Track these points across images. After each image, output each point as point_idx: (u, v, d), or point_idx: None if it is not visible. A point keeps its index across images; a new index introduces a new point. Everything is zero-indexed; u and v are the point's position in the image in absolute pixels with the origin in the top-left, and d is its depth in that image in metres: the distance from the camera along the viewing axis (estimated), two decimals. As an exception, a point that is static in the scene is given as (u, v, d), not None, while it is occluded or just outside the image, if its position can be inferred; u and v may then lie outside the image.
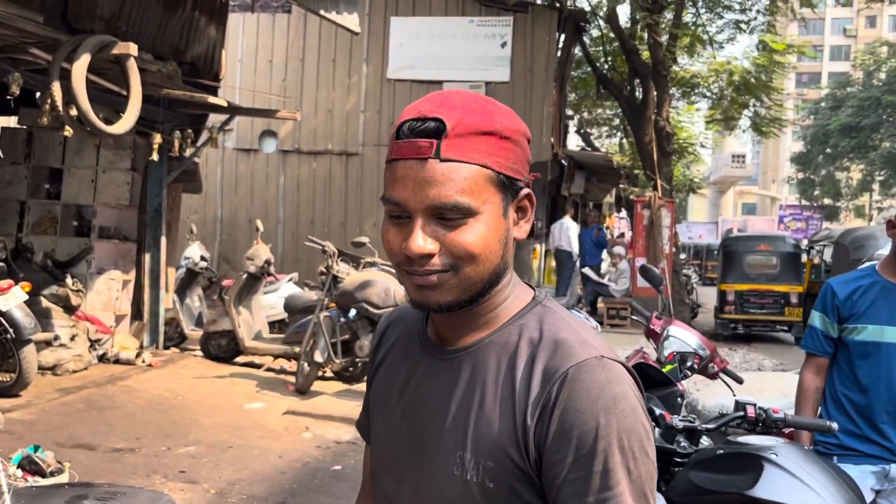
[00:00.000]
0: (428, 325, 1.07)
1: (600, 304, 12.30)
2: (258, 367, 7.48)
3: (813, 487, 2.08)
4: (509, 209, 0.96)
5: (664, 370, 3.08)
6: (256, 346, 7.27)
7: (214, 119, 7.96)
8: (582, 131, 21.29)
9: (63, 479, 3.80)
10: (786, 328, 12.31)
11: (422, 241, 0.92)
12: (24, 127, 7.43)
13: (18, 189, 7.36)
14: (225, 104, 7.11)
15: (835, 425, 2.32)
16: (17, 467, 3.72)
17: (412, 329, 1.09)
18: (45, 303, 6.44)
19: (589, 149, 19.59)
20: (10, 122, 7.71)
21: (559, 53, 12.33)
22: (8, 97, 6.24)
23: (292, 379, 6.83)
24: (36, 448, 3.89)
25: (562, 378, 0.90)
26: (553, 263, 13.38)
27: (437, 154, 0.91)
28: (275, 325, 8.06)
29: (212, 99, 6.81)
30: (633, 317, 4.27)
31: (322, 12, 6.60)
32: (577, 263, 12.51)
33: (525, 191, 0.98)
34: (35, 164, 7.41)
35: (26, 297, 5.55)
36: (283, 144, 12.14)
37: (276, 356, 7.41)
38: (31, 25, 4.85)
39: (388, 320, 1.18)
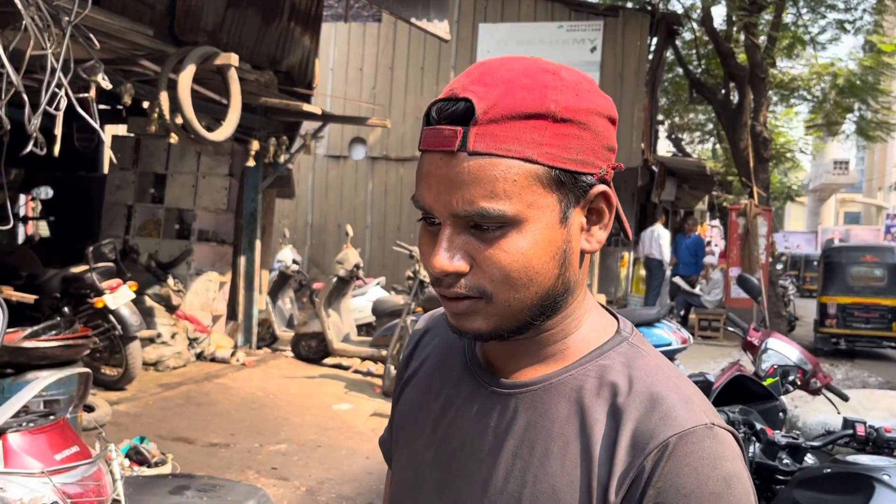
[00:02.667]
0: (476, 343, 0.86)
1: (692, 316, 11.94)
2: (346, 368, 7.63)
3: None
4: (572, 213, 0.74)
5: (765, 384, 2.96)
6: (345, 348, 7.42)
7: (308, 126, 8.20)
8: (673, 136, 20.76)
9: (166, 469, 3.98)
10: (893, 344, 11.61)
11: (447, 257, 0.73)
12: (133, 135, 7.86)
13: (126, 193, 7.78)
14: (319, 112, 7.31)
15: None
16: (125, 457, 3.92)
17: (455, 343, 0.89)
18: (148, 302, 6.77)
19: (680, 154, 19.08)
20: (121, 130, 8.16)
21: (651, 57, 12.07)
22: (119, 106, 6.63)
23: (379, 382, 6.93)
24: (142, 439, 4.09)
25: (661, 449, 0.71)
26: (642, 272, 13.08)
27: (464, 145, 0.70)
28: (363, 329, 8.20)
29: (306, 107, 7.01)
30: (728, 328, 4.11)
31: (413, 20, 6.70)
32: (668, 273, 12.19)
33: (598, 188, 0.75)
34: (141, 169, 7.81)
35: (133, 295, 5.85)
36: (371, 151, 12.37)
37: (364, 359, 7.54)
38: (142, 38, 5.12)
39: (425, 325, 0.97)
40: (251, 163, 6.87)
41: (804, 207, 48.56)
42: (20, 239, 9.98)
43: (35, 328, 3.78)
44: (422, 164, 0.74)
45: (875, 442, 2.27)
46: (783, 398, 2.99)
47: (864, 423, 2.31)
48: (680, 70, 15.37)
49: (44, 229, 9.44)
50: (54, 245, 8.26)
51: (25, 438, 2.22)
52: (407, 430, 0.88)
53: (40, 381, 2.24)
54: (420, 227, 0.78)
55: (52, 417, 2.36)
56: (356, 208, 12.41)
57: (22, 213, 10.31)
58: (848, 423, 2.33)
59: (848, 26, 13.95)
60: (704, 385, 2.72)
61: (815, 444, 2.35)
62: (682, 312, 11.88)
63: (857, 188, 54.60)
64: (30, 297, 4.77)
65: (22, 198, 9.96)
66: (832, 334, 11.60)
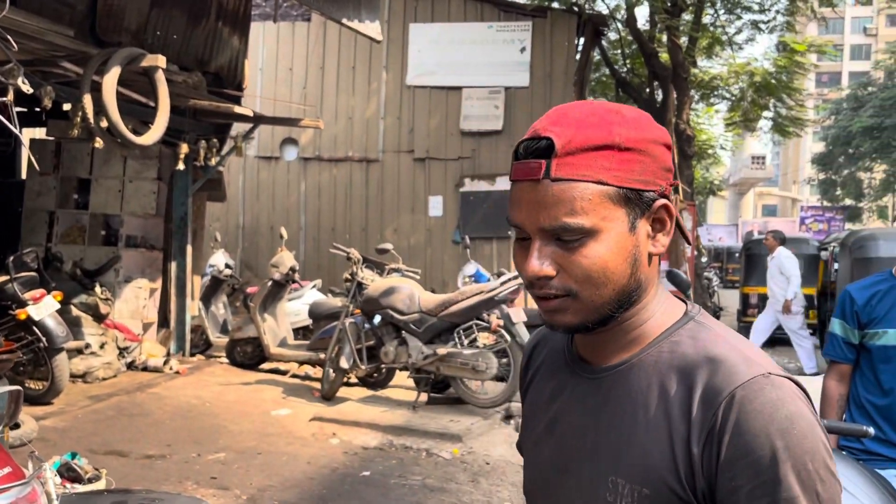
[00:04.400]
0: (573, 342, 1.04)
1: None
2: (283, 373, 7.54)
3: (850, 490, 2.07)
4: (639, 224, 0.91)
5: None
6: (282, 352, 7.33)
7: (238, 128, 8.05)
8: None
9: (100, 485, 3.86)
10: (811, 332, 12.18)
11: (537, 263, 0.90)
12: (53, 138, 7.56)
13: (47, 199, 7.48)
14: (251, 114, 7.19)
15: (871, 430, 2.32)
16: (56, 474, 3.77)
17: (558, 347, 1.08)
18: (75, 311, 6.53)
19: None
20: (40, 133, 7.83)
21: (578, 57, 12.32)
22: (37, 109, 6.36)
23: (317, 385, 6.88)
24: (73, 455, 3.95)
25: (728, 400, 0.85)
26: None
27: (548, 174, 0.88)
28: (299, 332, 8.11)
29: (238, 109, 6.88)
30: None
31: (344, 21, 6.66)
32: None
33: (660, 202, 0.92)
34: (63, 174, 7.53)
35: (58, 305, 5.64)
36: (303, 152, 12.23)
37: (302, 363, 7.46)
38: (62, 39, 4.94)
39: (534, 340, 1.16)
40: (181, 166, 6.71)
41: (725, 201, 50.43)
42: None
43: (-45, 344, 3.60)
44: (513, 192, 0.93)
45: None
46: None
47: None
48: (606, 70, 15.75)
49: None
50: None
51: (-47, 461, 2.12)
52: (529, 423, 1.08)
53: (-31, 402, 2.14)
54: (514, 245, 0.95)
55: (-19, 438, 2.27)
56: (289, 210, 12.25)
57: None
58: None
59: (763, 26, 14.57)
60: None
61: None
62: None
63: (774, 182, 57.01)
64: (-54, 311, 4.54)
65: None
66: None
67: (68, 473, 3.76)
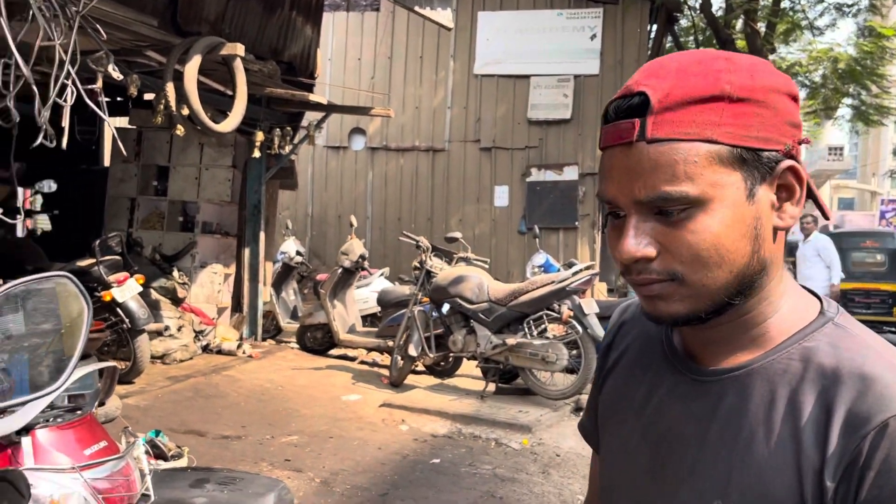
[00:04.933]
0: (674, 332, 0.88)
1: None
2: (352, 359, 7.62)
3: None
4: (759, 190, 0.75)
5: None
6: (351, 339, 7.40)
7: (310, 117, 8.14)
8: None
9: (183, 462, 3.97)
10: (894, 329, 11.67)
11: (633, 243, 0.75)
12: (135, 127, 7.80)
13: (129, 186, 7.73)
14: (325, 102, 7.27)
15: None
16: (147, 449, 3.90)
17: (652, 333, 0.91)
18: (154, 295, 6.74)
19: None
20: (123, 122, 8.10)
21: (650, 44, 12.03)
22: (120, 98, 6.58)
23: (386, 372, 6.93)
24: (157, 433, 4.07)
25: (879, 430, 0.68)
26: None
27: (643, 135, 0.73)
28: (367, 319, 8.19)
29: (312, 97, 6.97)
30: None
31: (416, 8, 6.65)
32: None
33: (785, 164, 0.75)
34: (144, 162, 7.76)
35: (140, 288, 5.83)
36: (371, 141, 12.32)
37: (370, 349, 7.53)
38: (146, 29, 5.07)
39: (621, 316, 1.00)
40: (256, 154, 6.83)
41: (799, 194, 48.58)
42: (20, 233, 9.92)
43: (49, 323, 3.74)
44: (603, 161, 0.78)
45: None
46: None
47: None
48: (678, 57, 15.32)
49: (44, 223, 9.37)
50: (57, 239, 8.21)
51: (54, 434, 2.20)
52: (614, 415, 0.92)
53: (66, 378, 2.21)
54: (608, 225, 0.80)
55: (78, 413, 2.34)
56: (356, 199, 12.37)
57: (20, 205, 10.23)
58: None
59: (846, 9, 13.93)
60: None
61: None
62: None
63: (852, 174, 54.70)
64: (39, 292, 4.73)
65: (21, 191, 9.89)
66: (833, 320, 11.65)
67: (153, 450, 3.87)
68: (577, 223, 11.15)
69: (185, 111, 5.18)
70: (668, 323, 0.79)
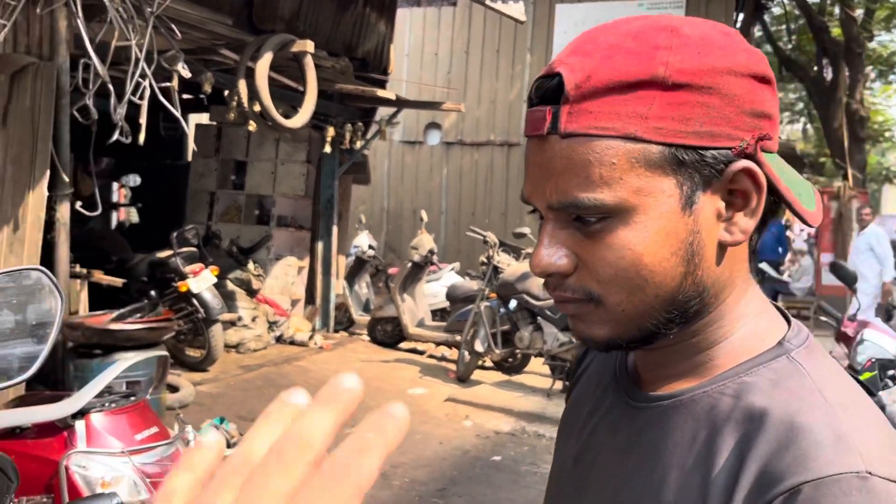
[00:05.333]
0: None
1: (779, 304, 11.46)
2: (421, 353, 7.66)
3: None
4: (700, 199, 0.62)
5: (861, 378, 2.78)
6: (419, 332, 7.45)
7: (383, 112, 8.22)
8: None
9: (244, 450, 4.08)
10: None
11: (546, 254, 0.64)
12: (215, 123, 8.07)
13: (209, 181, 8.01)
14: (393, 97, 7.32)
15: None
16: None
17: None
18: (230, 286, 6.96)
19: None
20: (204, 118, 8.39)
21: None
22: (202, 95, 6.81)
23: (453, 367, 6.93)
24: (221, 420, 4.20)
25: (788, 496, 0.56)
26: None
27: (555, 127, 0.61)
28: (437, 314, 8.21)
29: (380, 92, 7.03)
30: (819, 317, 3.88)
31: (488, 2, 6.60)
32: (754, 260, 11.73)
33: (738, 165, 0.61)
34: (223, 157, 8.02)
35: (215, 280, 6.02)
36: (446, 136, 12.35)
37: (438, 343, 7.55)
38: (221, 28, 5.23)
39: None
40: (327, 149, 6.95)
41: (903, 190, 45.80)
42: (113, 225, 10.46)
43: (121, 311, 3.92)
44: (525, 152, 0.67)
45: None
46: (882, 394, 2.80)
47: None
48: (769, 47, 14.69)
49: (134, 216, 9.85)
50: (143, 231, 8.59)
51: (107, 419, 2.29)
52: (563, 431, 0.83)
53: (121, 363, 2.31)
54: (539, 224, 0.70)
55: (132, 399, 2.44)
56: (431, 193, 12.43)
57: (115, 199, 10.79)
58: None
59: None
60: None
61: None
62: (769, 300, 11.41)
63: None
64: (118, 281, 4.97)
65: (115, 185, 10.43)
66: (935, 325, 10.91)
67: (216, 437, 3.99)
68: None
69: (257, 107, 5.31)
70: (590, 346, 0.69)
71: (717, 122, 0.60)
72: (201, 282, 5.86)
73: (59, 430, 2.23)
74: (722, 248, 0.64)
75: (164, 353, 2.49)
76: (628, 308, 0.64)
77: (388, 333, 7.75)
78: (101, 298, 5.37)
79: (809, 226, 0.69)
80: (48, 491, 2.16)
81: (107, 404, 2.35)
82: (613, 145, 0.60)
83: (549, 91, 0.62)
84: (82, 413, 2.25)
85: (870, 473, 0.55)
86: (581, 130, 0.60)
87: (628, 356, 0.76)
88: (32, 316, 0.81)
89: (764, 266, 11.61)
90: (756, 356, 0.65)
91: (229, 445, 4.05)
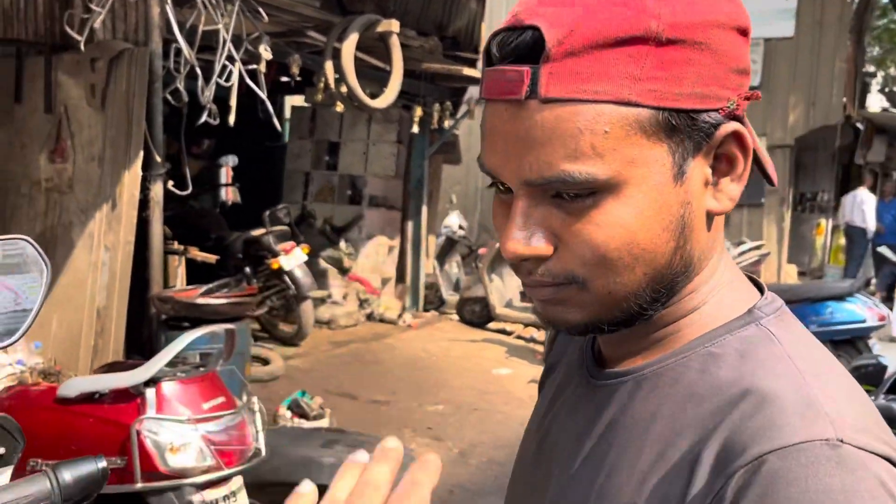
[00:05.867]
0: None
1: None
2: (509, 333, 7.62)
3: None
4: (691, 166, 0.57)
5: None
6: (507, 313, 7.41)
7: (474, 91, 8.17)
8: (887, 90, 18.46)
9: (323, 423, 4.19)
10: None
11: (521, 236, 0.57)
12: (309, 105, 8.26)
13: (304, 161, 8.23)
14: (480, 76, 7.24)
15: None
16: (287, 409, 4.17)
17: None
18: (322, 264, 7.15)
19: (894, 110, 16.94)
20: (299, 100, 8.61)
21: (857, 1, 10.73)
22: (299, 78, 6.99)
23: (541, 349, 6.86)
24: (303, 393, 4.33)
25: (751, 469, 0.51)
26: (842, 241, 11.85)
27: (534, 91, 0.54)
28: (525, 294, 8.13)
29: (467, 71, 6.98)
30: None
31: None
32: (872, 242, 10.95)
33: (727, 128, 0.57)
34: (317, 138, 8.21)
35: (306, 258, 6.19)
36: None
37: (527, 325, 7.49)
38: (309, 10, 5.32)
39: None
40: (415, 129, 6.98)
41: None
42: (227, 202, 10.92)
43: (209, 286, 4.09)
44: (485, 117, 0.59)
45: None
46: None
47: None
48: (895, 15, 13.57)
49: (235, 195, 10.25)
50: (242, 210, 8.94)
51: (177, 387, 2.40)
52: (532, 418, 0.78)
53: (187, 336, 2.41)
54: (494, 200, 0.62)
55: (202, 369, 2.54)
56: (526, 174, 12.29)
57: (222, 181, 11.28)
58: None
59: None
60: (876, 370, 2.33)
61: None
62: (887, 286, 10.63)
63: None
64: (212, 258, 5.19)
65: (222, 166, 10.89)
66: None
67: (297, 409, 4.12)
68: (762, 200, 10.30)
69: (344, 88, 5.38)
70: (566, 332, 0.64)
71: (707, 81, 0.55)
72: (292, 259, 6.04)
73: (133, 397, 2.35)
74: (709, 217, 0.60)
75: (231, 326, 2.58)
76: (615, 290, 0.58)
77: (477, 313, 7.75)
78: (200, 274, 5.63)
79: (772, 184, 0.65)
80: (122, 453, 2.28)
81: (177, 374, 2.45)
82: (605, 111, 0.54)
83: (521, 47, 0.54)
84: (154, 381, 2.36)
85: (841, 441, 0.50)
86: (567, 95, 0.53)
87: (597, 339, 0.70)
88: (19, 284, 0.84)
89: (883, 250, 10.81)
90: (724, 324, 0.61)
91: (308, 418, 4.17)
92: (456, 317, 7.99)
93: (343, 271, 7.29)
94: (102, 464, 0.78)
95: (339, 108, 5.73)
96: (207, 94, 4.01)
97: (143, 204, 4.08)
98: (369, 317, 7.52)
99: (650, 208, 0.56)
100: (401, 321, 7.48)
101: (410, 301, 8.18)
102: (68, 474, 0.75)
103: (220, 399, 2.46)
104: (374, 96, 5.80)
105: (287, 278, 6.02)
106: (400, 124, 7.75)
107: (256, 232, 6.10)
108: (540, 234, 0.58)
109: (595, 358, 0.69)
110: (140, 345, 4.14)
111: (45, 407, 2.37)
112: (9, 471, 0.88)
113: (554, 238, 0.58)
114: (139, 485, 2.27)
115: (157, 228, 4.07)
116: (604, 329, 0.61)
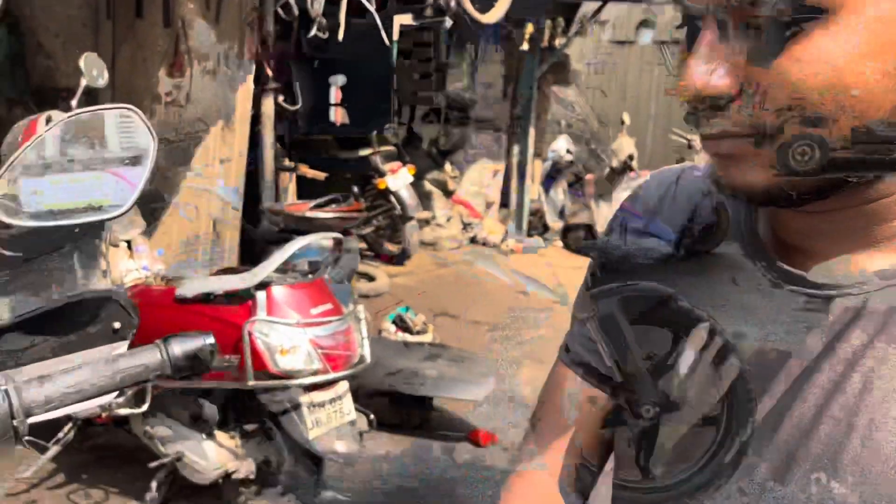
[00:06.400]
0: (759, 213, 0.58)
1: None
2: (614, 262, 7.46)
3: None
4: None
5: None
6: (614, 241, 7.22)
7: (588, 8, 7.78)
8: None
9: (426, 338, 4.26)
10: None
11: (702, 70, 0.48)
12: (418, 24, 8.12)
13: (412, 83, 8.15)
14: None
15: None
16: (392, 323, 4.25)
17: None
18: (427, 186, 7.16)
19: None
20: (407, 19, 8.48)
21: None
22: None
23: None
24: (406, 309, 4.40)
25: None
26: None
27: None
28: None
29: (583, -16, 6.62)
30: None
31: None
32: None
33: None
34: (425, 58, 8.09)
35: (412, 179, 6.20)
36: (659, 35, 11.48)
37: (633, 253, 7.29)
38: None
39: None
40: (525, 46, 6.74)
41: None
42: (337, 122, 11.04)
43: (319, 201, 4.17)
44: None
45: None
46: None
47: None
48: None
49: (344, 116, 10.35)
50: (350, 130, 9.03)
51: (286, 291, 2.46)
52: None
53: (295, 243, 2.46)
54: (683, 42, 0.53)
55: (310, 276, 2.59)
56: (640, 97, 11.77)
57: (332, 100, 11.37)
58: None
59: None
60: None
61: None
62: None
63: None
64: (321, 175, 5.28)
65: (333, 87, 10.96)
66: None
67: (400, 324, 4.20)
68: None
69: (453, 2, 5.23)
70: (744, 199, 0.52)
71: None
72: (398, 180, 6.06)
73: (245, 300, 2.43)
74: None
75: (338, 235, 2.62)
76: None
77: (581, 240, 7.60)
78: (310, 191, 5.76)
79: None
80: (235, 352, 2.38)
81: (287, 279, 2.51)
82: None
83: None
84: (265, 285, 2.43)
85: None
86: None
87: (757, 220, 0.57)
88: (129, 151, 0.83)
89: None
90: None
91: (412, 332, 4.24)
92: (560, 243, 7.87)
93: (447, 194, 7.28)
94: (210, 340, 0.77)
95: (448, 23, 5.59)
96: (317, 7, 3.99)
97: (255, 119, 4.16)
98: (472, 240, 7.52)
99: (868, 44, 0.45)
100: (504, 245, 7.44)
101: (514, 225, 8.11)
102: (178, 347, 0.75)
103: (328, 305, 2.52)
104: (479, 11, 5.61)
105: (393, 198, 6.06)
106: (508, 43, 7.52)
107: (364, 151, 6.14)
108: (725, 70, 0.48)
109: (774, 254, 0.55)
110: (252, 255, 4.30)
111: (165, 305, 2.50)
112: (124, 346, 0.89)
113: (741, 78, 0.48)
114: (251, 382, 2.37)
115: (268, 141, 4.15)
116: (793, 198, 0.49)
